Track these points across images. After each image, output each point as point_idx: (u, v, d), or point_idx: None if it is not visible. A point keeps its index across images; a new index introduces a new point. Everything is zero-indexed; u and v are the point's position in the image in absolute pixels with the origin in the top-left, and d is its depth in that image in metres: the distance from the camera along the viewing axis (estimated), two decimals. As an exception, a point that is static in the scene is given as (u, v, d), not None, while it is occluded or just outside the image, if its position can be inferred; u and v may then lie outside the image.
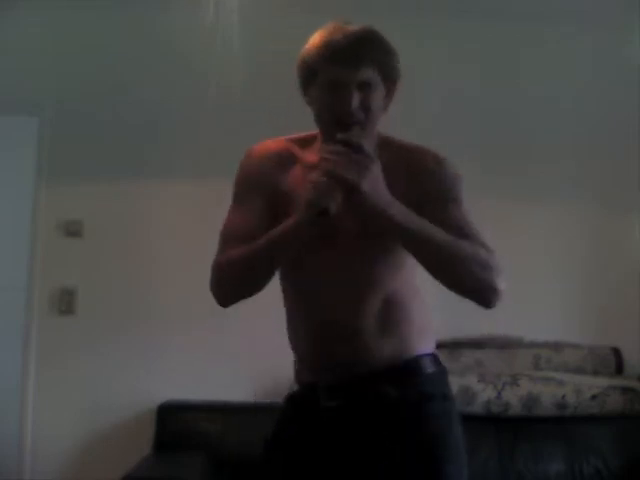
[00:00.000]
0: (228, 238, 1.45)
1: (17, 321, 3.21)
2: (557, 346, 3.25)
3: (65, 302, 3.25)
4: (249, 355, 3.15)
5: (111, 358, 3.21)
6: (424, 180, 1.41)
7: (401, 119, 3.24)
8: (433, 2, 3.33)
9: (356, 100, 1.35)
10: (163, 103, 3.31)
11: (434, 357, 1.47)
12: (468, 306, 1.37)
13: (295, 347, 1.50)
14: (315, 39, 1.41)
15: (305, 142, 1.50)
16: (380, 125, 1.46)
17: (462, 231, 1.35)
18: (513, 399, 2.94)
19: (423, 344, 1.45)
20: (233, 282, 1.43)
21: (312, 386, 1.45)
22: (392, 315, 1.42)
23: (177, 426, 3.06)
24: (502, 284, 1.34)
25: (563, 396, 2.95)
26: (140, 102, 3.32)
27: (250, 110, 3.22)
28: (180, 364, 3.20)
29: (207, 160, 3.29)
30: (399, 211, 1.30)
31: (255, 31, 3.20)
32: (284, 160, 1.47)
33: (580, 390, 2.97)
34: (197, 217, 3.31)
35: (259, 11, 3.19)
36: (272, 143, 1.51)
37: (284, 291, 1.51)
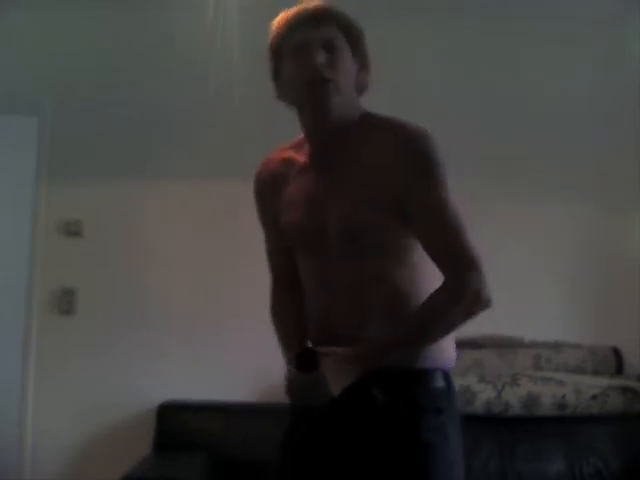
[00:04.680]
0: (269, 264, 1.59)
1: (17, 321, 3.21)
2: (557, 346, 3.25)
3: (65, 302, 3.24)
4: (249, 355, 3.15)
5: (111, 358, 3.21)
6: (399, 170, 1.32)
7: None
8: (433, 2, 3.32)
9: (321, 56, 1.34)
10: (163, 103, 3.31)
11: (444, 374, 1.39)
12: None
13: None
14: (274, 23, 1.42)
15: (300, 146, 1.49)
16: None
17: (437, 247, 1.33)
18: (513, 399, 2.94)
19: (434, 356, 1.37)
20: None
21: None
22: (399, 320, 1.35)
23: (177, 426, 3.06)
24: (488, 295, 1.31)
25: (563, 396, 2.95)
26: (140, 102, 3.32)
27: (250, 110, 3.22)
28: (180, 364, 3.20)
29: (207, 160, 3.29)
30: (367, 357, 1.32)
31: (255, 31, 3.19)
32: (281, 176, 1.48)
33: (580, 390, 2.97)
34: (197, 217, 3.31)
35: (259, 11, 3.19)
36: (271, 160, 1.53)
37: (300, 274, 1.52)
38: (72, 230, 3.27)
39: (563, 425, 2.99)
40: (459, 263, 1.30)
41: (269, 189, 1.49)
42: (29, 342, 3.21)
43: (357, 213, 1.34)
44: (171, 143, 3.33)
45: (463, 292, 1.30)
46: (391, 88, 3.23)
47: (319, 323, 1.43)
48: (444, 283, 1.32)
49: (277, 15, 1.41)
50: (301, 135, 1.48)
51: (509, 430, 2.95)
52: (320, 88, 1.33)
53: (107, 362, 3.21)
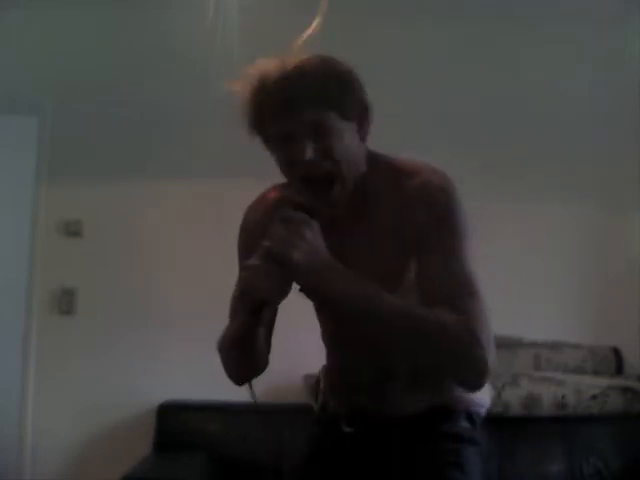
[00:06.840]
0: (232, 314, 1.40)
1: (17, 321, 3.21)
2: (557, 346, 3.25)
3: (65, 302, 3.25)
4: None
5: (111, 358, 3.21)
6: (413, 213, 1.22)
7: (401, 121, 3.25)
8: (433, 2, 3.33)
9: (309, 150, 1.17)
10: (163, 103, 3.31)
11: (469, 416, 1.37)
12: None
13: (327, 376, 1.50)
14: (251, 82, 1.24)
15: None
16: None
17: (442, 288, 1.15)
18: (513, 399, 2.93)
19: (463, 399, 1.36)
20: (228, 368, 1.42)
21: (335, 416, 1.44)
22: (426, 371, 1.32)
23: (177, 426, 3.06)
24: (487, 361, 1.10)
25: (563, 396, 2.95)
26: (140, 102, 3.32)
27: (250, 110, 3.22)
28: (180, 364, 3.20)
29: (207, 160, 3.29)
30: (340, 280, 1.13)
31: (255, 31, 3.19)
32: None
33: (580, 390, 2.97)
34: (197, 217, 3.31)
35: (259, 11, 3.19)
36: (263, 202, 1.38)
37: (319, 321, 1.46)
38: (72, 230, 3.27)
39: (563, 425, 2.99)
40: (467, 305, 1.14)
41: (264, 228, 1.25)
42: (29, 342, 3.21)
43: (384, 269, 1.23)
44: (171, 143, 3.33)
45: (472, 326, 1.11)
46: (391, 88, 3.24)
47: (346, 366, 1.42)
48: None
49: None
50: None
51: (509, 430, 2.94)
52: (317, 185, 1.20)
53: (107, 362, 3.21)
